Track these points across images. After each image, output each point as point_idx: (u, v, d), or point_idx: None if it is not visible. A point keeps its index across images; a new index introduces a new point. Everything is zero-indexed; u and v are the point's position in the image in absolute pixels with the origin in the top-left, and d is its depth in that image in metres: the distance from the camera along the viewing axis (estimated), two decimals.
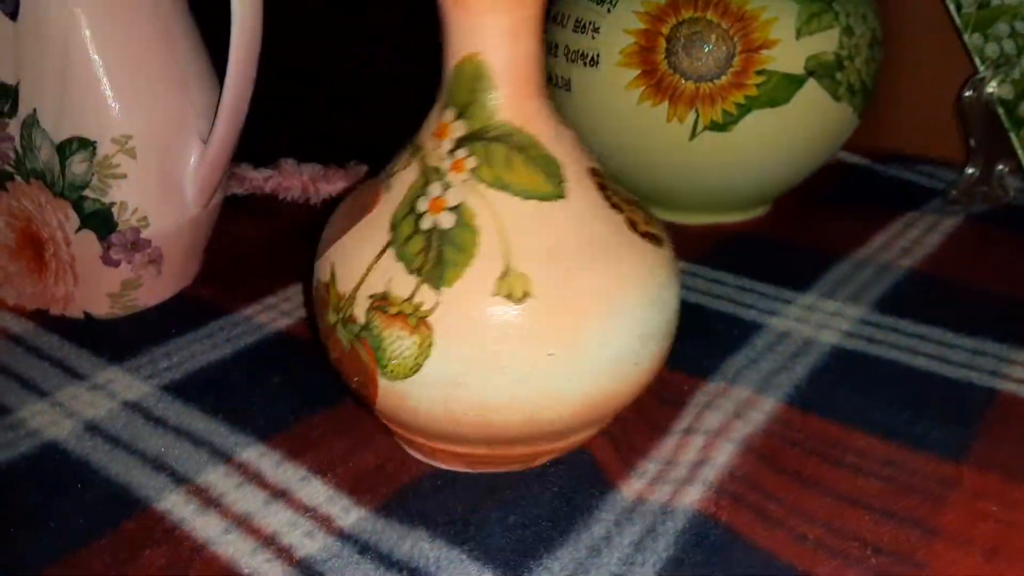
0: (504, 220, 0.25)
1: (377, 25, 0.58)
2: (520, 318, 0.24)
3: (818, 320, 0.38)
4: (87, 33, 0.35)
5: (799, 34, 0.41)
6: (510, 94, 0.25)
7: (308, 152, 0.53)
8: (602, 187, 0.27)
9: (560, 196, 0.25)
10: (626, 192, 0.28)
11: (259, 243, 0.46)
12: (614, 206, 0.26)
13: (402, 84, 0.55)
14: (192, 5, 0.39)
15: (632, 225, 0.26)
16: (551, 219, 0.25)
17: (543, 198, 0.25)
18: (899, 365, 0.34)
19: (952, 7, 0.49)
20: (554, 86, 0.46)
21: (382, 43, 0.58)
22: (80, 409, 0.32)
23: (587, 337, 0.24)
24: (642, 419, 0.31)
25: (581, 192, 0.26)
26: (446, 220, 0.25)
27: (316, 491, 0.28)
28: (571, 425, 0.26)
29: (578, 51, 0.44)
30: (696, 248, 0.44)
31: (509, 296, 0.24)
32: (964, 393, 0.32)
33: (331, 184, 0.51)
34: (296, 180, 0.51)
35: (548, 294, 0.24)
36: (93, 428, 0.31)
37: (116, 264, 0.37)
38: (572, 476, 0.28)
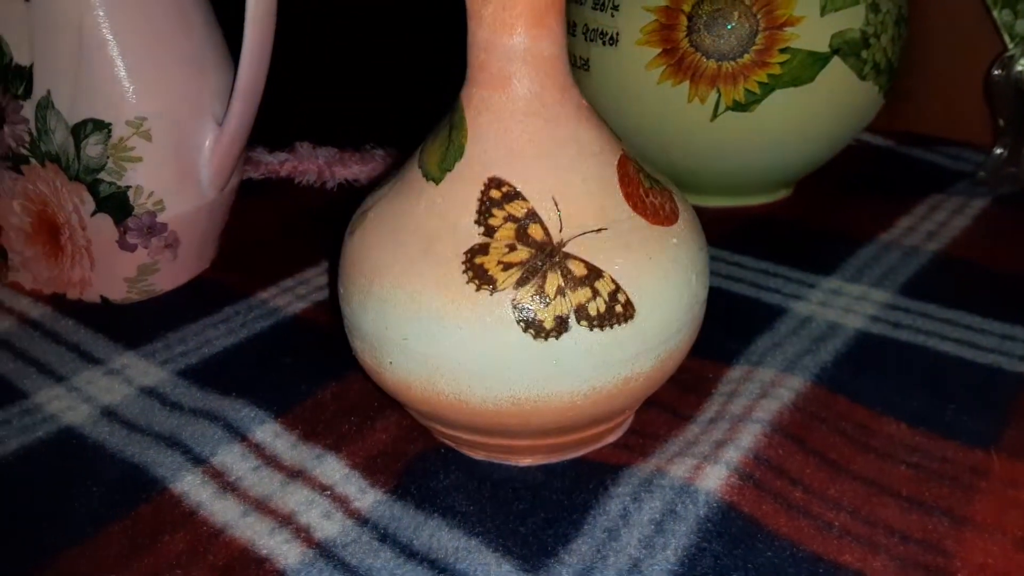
0: None
1: (394, 5, 0.57)
2: None
3: (843, 304, 0.37)
4: (101, 13, 0.34)
5: (824, 10, 0.40)
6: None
7: (324, 135, 0.53)
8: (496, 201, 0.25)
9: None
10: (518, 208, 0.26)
11: (275, 227, 0.46)
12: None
13: (419, 65, 0.55)
14: None
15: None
16: None
17: None
18: (927, 350, 0.34)
19: None
20: (572, 66, 0.45)
21: (399, 24, 0.58)
22: (96, 394, 0.32)
23: None
24: (665, 408, 0.31)
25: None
26: None
27: (332, 469, 0.28)
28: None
29: (597, 29, 0.43)
30: (718, 231, 0.44)
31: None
32: (994, 379, 0.32)
33: (347, 168, 0.51)
34: (312, 164, 0.51)
35: None
36: (109, 413, 0.31)
37: (132, 248, 0.37)
38: (590, 465, 0.28)
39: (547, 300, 0.24)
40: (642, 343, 0.25)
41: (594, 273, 0.25)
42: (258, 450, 0.29)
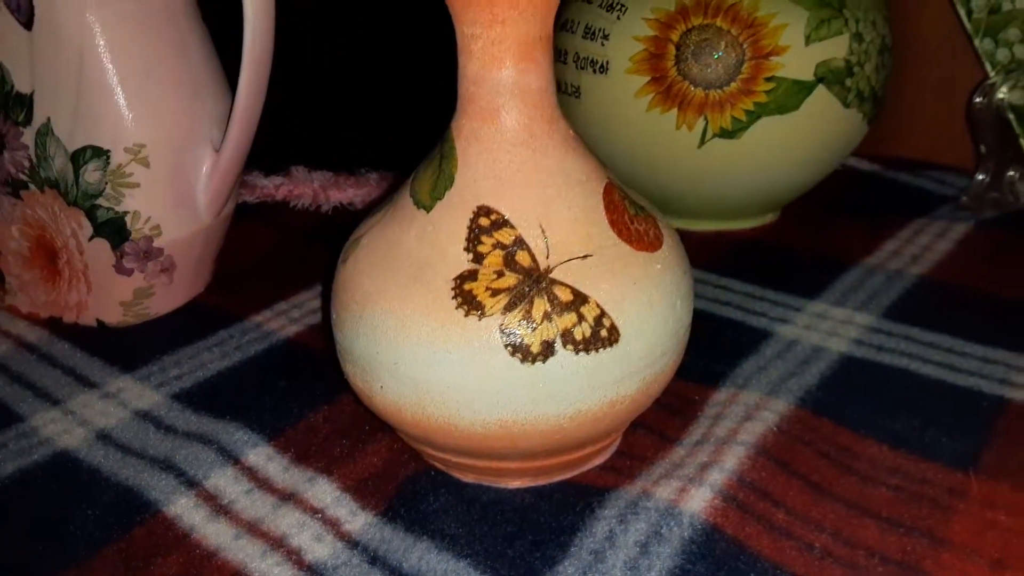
0: None
1: (388, 31, 0.58)
2: None
3: (828, 328, 0.38)
4: (101, 42, 0.35)
5: (809, 40, 0.41)
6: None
7: (318, 158, 0.53)
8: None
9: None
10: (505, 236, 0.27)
11: (270, 250, 0.47)
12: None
13: (412, 89, 0.56)
14: (204, 14, 0.39)
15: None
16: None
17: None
18: (909, 373, 0.34)
19: (963, 12, 0.49)
20: (563, 93, 0.46)
21: (393, 49, 0.59)
22: (92, 417, 0.33)
23: None
24: (651, 430, 0.31)
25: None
26: None
27: (323, 491, 0.28)
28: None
29: (587, 58, 0.44)
30: (705, 255, 0.44)
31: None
32: (974, 401, 0.32)
33: (341, 191, 0.51)
34: (307, 187, 0.51)
35: None
36: (105, 436, 0.32)
37: (129, 273, 0.38)
38: (577, 488, 0.28)
39: (534, 325, 0.25)
40: (627, 367, 0.26)
41: (580, 298, 0.25)
42: (251, 473, 0.29)
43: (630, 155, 0.45)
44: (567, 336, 0.25)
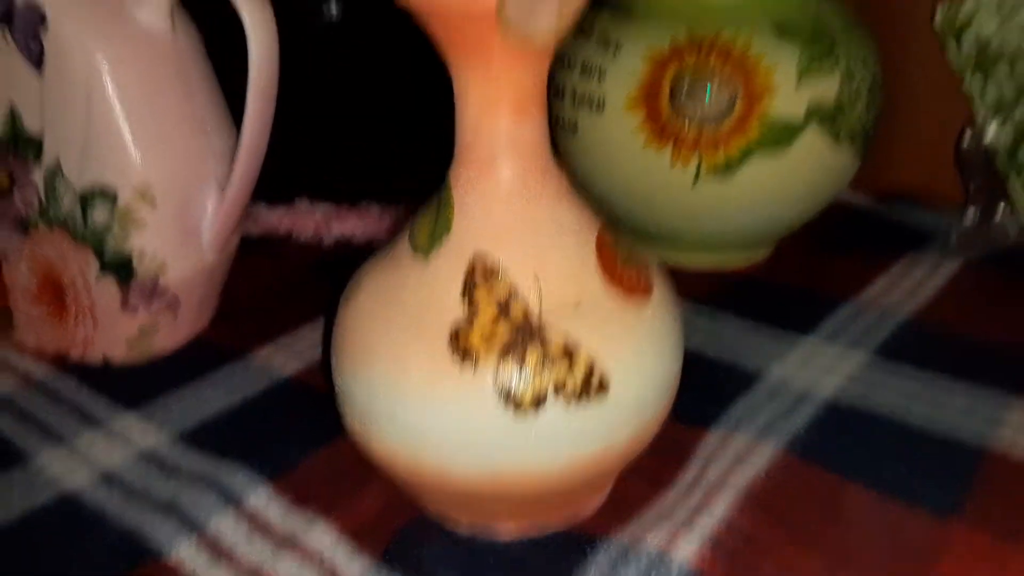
0: None
1: (393, 65, 0.59)
2: None
3: (819, 365, 0.38)
4: (108, 82, 0.36)
5: (799, 80, 0.42)
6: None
7: (320, 191, 0.54)
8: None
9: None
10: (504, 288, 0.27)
11: (272, 284, 0.47)
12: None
13: (416, 124, 0.56)
14: (208, 50, 0.40)
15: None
16: None
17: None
18: (897, 416, 0.35)
19: (951, 50, 0.50)
20: (561, 128, 0.47)
21: (397, 83, 0.59)
22: (97, 457, 0.33)
23: None
24: (643, 475, 0.31)
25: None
26: None
27: (322, 536, 0.29)
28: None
29: (584, 95, 0.45)
30: (699, 290, 0.45)
31: None
32: (961, 446, 0.33)
33: (343, 224, 0.52)
34: (309, 220, 0.52)
35: None
36: (109, 477, 0.32)
37: (135, 310, 0.38)
38: (570, 535, 0.29)
39: (526, 376, 0.25)
40: (617, 416, 0.26)
41: (571, 349, 0.26)
42: (251, 517, 0.30)
43: (627, 191, 0.46)
44: (558, 387, 0.26)
